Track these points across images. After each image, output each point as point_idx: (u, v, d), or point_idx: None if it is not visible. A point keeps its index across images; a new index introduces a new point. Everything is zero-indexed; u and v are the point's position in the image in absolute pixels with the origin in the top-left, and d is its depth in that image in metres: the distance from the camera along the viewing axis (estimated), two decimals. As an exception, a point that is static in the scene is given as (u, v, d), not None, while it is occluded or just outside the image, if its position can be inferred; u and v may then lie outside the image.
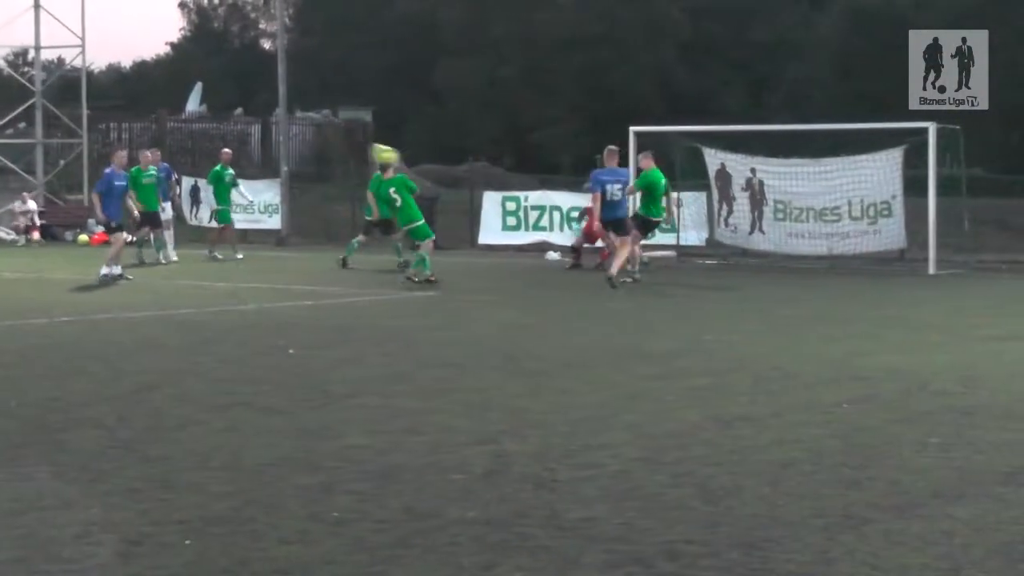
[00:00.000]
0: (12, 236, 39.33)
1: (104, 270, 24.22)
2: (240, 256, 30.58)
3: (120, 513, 8.00)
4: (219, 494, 8.42)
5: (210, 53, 77.96)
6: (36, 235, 38.91)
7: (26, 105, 43.53)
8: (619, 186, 24.36)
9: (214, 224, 32.35)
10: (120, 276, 24.48)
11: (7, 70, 49.08)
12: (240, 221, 34.86)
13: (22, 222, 39.33)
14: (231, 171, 32.10)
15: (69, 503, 8.31)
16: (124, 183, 24.99)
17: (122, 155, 26.07)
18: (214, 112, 56.24)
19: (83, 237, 38.37)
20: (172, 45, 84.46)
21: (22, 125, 45.24)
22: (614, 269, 23.53)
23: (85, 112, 43.53)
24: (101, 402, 11.84)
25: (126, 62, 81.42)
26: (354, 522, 7.76)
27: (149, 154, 29.90)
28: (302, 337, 16.50)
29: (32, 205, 39.67)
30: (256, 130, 53.02)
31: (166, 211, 30.00)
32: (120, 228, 24.91)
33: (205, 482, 8.75)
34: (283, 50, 41.47)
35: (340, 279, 25.48)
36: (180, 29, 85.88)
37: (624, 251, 24.06)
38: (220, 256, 30.69)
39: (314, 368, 14.02)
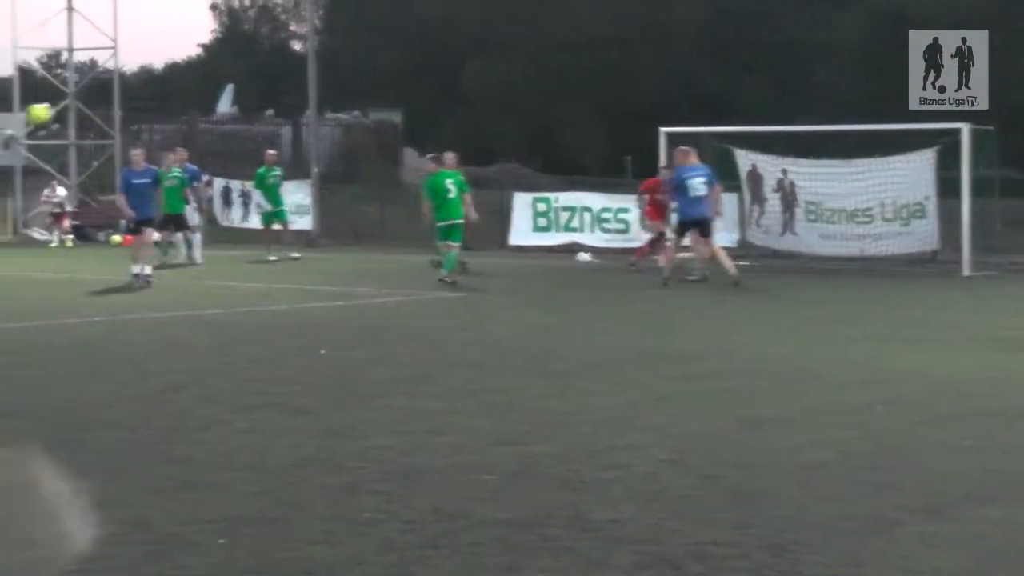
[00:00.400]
0: (45, 236, 39.43)
1: (135, 270, 24.14)
2: (272, 258, 30.52)
3: (148, 513, 8.01)
4: (246, 494, 8.42)
5: (241, 55, 78.14)
6: (66, 223, 38.86)
7: (59, 107, 43.70)
8: (702, 179, 24.28)
9: (277, 226, 32.05)
10: (148, 275, 24.29)
11: (41, 72, 49.22)
12: (261, 221, 34.67)
13: (47, 209, 39.33)
14: (277, 171, 32.15)
15: (97, 504, 8.29)
16: (146, 180, 24.81)
17: (135, 153, 26.09)
18: (245, 113, 56.39)
19: (116, 238, 38.40)
20: (203, 47, 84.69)
21: (55, 126, 45.41)
22: (732, 269, 23.61)
23: (117, 114, 43.67)
24: (126, 402, 11.87)
25: (158, 64, 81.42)
26: (382, 523, 7.75)
27: (172, 155, 29.86)
28: (332, 338, 16.50)
29: (61, 192, 39.64)
30: (286, 131, 53.12)
31: (193, 212, 29.92)
32: (148, 224, 24.72)
33: (231, 482, 8.76)
34: (314, 52, 41.52)
35: (370, 279, 25.46)
36: (211, 31, 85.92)
37: (720, 252, 24.29)
38: (296, 255, 30.70)
39: (342, 369, 14.01)
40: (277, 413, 11.28)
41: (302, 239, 37.00)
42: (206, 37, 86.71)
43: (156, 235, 25.60)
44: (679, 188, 24.53)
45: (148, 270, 24.28)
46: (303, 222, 38.35)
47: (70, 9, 43.37)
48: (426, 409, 11.45)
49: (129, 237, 27.15)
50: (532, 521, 7.74)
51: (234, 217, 39.44)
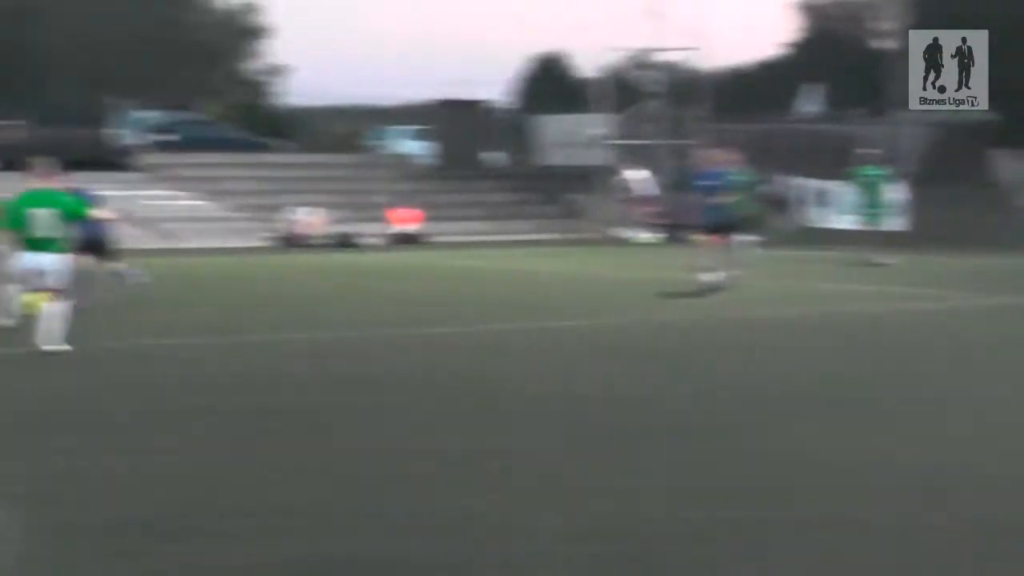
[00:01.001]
0: (630, 234, 39.75)
1: (702, 277, 23.54)
2: (890, 262, 29.23)
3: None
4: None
5: (827, 53, 77.40)
6: (644, 213, 39.20)
7: (643, 107, 44.32)
8: None
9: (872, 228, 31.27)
10: (717, 282, 23.47)
11: (632, 72, 50.24)
12: (855, 223, 33.57)
13: (624, 194, 39.83)
14: (878, 171, 31.47)
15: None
16: (709, 182, 24.39)
17: (706, 153, 25.96)
18: (830, 112, 55.68)
19: (696, 237, 38.45)
20: (787, 46, 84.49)
21: (648, 126, 46.00)
22: None
23: (698, 113, 43.92)
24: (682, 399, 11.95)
25: (741, 63, 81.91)
26: (911, 530, 7.40)
27: (724, 155, 29.50)
28: (891, 338, 16.43)
29: (634, 176, 39.97)
30: (874, 131, 52.00)
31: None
32: (713, 227, 24.19)
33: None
34: (901, 49, 40.44)
35: (954, 283, 24.60)
36: (797, 30, 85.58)
37: None
38: (887, 261, 29.54)
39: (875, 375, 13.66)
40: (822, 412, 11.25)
41: (894, 241, 35.84)
42: (791, 36, 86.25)
43: (732, 238, 24.94)
44: None
45: (712, 275, 23.58)
46: (893, 223, 37.10)
47: (654, 12, 43.97)
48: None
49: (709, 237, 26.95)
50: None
51: (818, 217, 38.88)
